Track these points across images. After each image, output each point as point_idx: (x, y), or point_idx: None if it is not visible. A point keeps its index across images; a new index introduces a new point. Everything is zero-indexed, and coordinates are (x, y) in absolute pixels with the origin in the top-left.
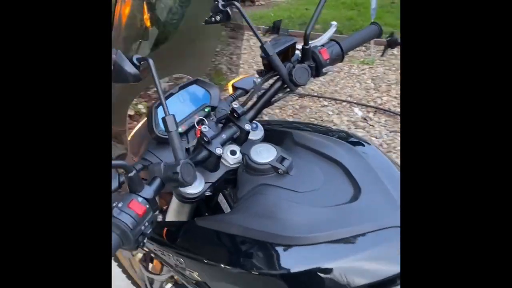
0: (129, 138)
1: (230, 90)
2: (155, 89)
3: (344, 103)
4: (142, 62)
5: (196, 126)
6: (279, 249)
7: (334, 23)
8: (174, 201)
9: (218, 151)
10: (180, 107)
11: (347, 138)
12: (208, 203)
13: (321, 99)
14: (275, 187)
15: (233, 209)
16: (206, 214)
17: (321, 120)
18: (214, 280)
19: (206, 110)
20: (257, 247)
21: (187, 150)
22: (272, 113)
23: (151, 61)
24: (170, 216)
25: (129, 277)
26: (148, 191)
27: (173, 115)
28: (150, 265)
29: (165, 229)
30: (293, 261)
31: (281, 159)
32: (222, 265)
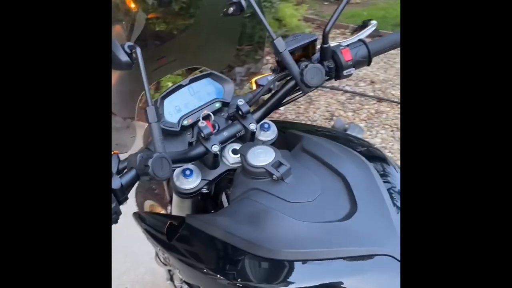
0: (145, 128)
1: (254, 86)
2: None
3: None
4: (133, 50)
5: (201, 120)
6: (253, 259)
7: (373, 22)
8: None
9: (215, 148)
10: (189, 99)
11: (370, 155)
12: (216, 202)
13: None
14: (266, 194)
15: (221, 210)
16: (212, 212)
17: (396, 127)
18: (190, 281)
19: (217, 105)
20: (233, 254)
21: (190, 144)
22: (344, 115)
23: (138, 49)
24: (173, 210)
25: None
26: (115, 181)
27: (155, 107)
28: None
29: (157, 221)
30: (262, 274)
31: (278, 164)
32: (197, 266)
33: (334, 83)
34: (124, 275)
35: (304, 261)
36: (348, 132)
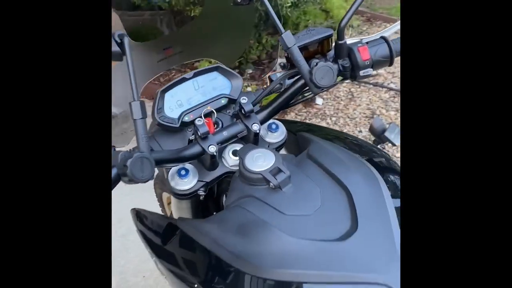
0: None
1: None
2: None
3: None
4: (122, 39)
5: (203, 117)
6: (240, 275)
7: None
8: None
9: (211, 149)
10: (193, 94)
11: (384, 167)
12: (218, 204)
13: None
14: (260, 203)
15: (211, 217)
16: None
17: None
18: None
19: (222, 101)
20: (219, 267)
21: (190, 141)
22: (386, 114)
23: (126, 39)
24: (172, 210)
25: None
26: None
27: (141, 101)
28: None
29: (151, 221)
30: None
31: (277, 171)
32: (182, 276)
33: (379, 79)
34: (145, 263)
35: (293, 283)
36: (387, 133)
